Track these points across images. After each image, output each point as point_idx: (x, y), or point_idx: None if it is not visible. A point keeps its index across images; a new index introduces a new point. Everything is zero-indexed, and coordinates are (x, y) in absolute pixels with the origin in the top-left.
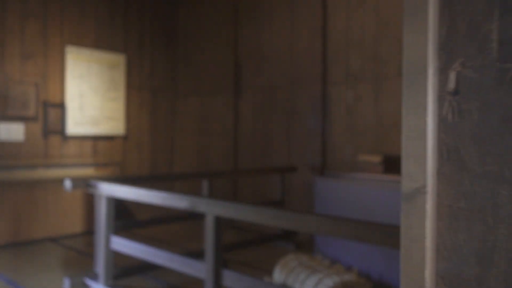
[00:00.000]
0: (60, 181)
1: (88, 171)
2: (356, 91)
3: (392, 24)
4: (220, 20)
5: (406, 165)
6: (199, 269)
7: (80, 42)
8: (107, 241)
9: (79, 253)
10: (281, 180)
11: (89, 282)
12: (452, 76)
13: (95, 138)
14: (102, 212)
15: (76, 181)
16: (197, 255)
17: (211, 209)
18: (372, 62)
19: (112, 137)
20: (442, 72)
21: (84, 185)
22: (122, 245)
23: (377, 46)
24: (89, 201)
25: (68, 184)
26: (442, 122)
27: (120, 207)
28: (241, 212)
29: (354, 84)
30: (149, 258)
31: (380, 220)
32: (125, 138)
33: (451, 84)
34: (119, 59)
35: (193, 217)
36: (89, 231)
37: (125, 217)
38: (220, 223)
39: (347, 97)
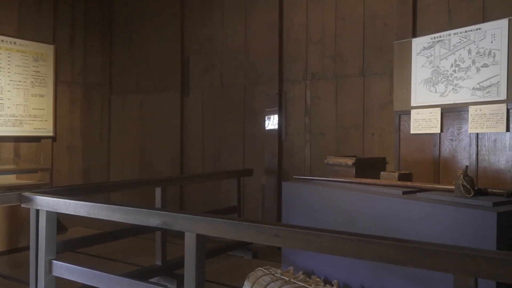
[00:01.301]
0: None
1: (7, 179)
2: (315, 90)
3: (353, 22)
4: (165, 11)
5: None
6: None
7: (0, 30)
8: (49, 267)
9: (3, 277)
10: (237, 184)
11: None
12: None
13: (17, 140)
14: (41, 232)
15: (5, 196)
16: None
17: (192, 226)
18: (332, 60)
19: (38, 138)
20: None
21: (16, 198)
22: (68, 270)
23: (338, 44)
24: (11, 214)
25: None
26: None
27: None
28: (234, 229)
29: (313, 83)
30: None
31: (357, 225)
32: (53, 140)
33: None
34: (47, 51)
35: (143, 231)
36: (11, 250)
37: (58, 230)
38: (204, 243)
39: (306, 97)
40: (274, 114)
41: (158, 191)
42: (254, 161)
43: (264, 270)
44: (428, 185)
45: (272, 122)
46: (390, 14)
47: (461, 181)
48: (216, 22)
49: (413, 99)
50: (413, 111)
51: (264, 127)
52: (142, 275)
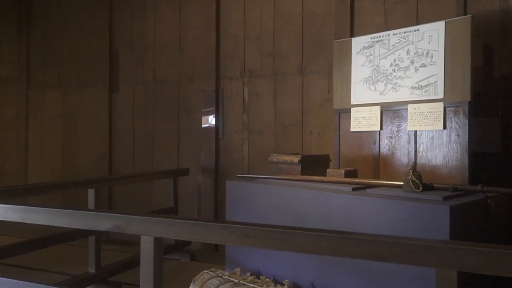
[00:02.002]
0: None
1: None
2: (253, 88)
3: (291, 20)
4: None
5: None
6: None
7: None
8: None
9: None
10: (173, 184)
11: None
12: None
13: None
14: None
15: None
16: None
17: (150, 229)
18: (270, 58)
19: None
20: None
21: None
22: None
23: (276, 41)
24: None
25: None
26: None
27: None
28: (199, 231)
29: (251, 80)
30: None
31: (307, 223)
32: None
33: None
34: None
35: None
36: None
37: None
38: (162, 246)
39: (244, 94)
40: (211, 111)
41: (91, 193)
42: (189, 160)
43: (210, 272)
44: (375, 181)
45: (208, 120)
46: (328, 13)
47: (410, 177)
48: (148, 15)
49: (353, 97)
50: (353, 109)
51: (200, 125)
52: (74, 284)
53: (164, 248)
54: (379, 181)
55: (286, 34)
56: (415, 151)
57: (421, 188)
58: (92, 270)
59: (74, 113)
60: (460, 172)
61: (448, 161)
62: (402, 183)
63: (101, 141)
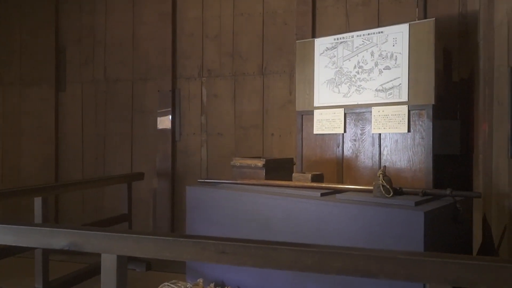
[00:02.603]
0: None
1: None
2: (212, 88)
3: (251, 19)
4: None
5: None
6: None
7: None
8: None
9: None
10: (127, 190)
11: None
12: None
13: None
14: None
15: None
16: None
17: (112, 246)
18: (230, 57)
19: None
20: None
21: None
22: None
23: (236, 40)
24: None
25: None
26: None
27: None
28: (168, 248)
29: (210, 81)
30: None
31: (274, 230)
32: None
33: None
34: None
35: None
36: None
37: None
38: (126, 265)
39: (202, 94)
40: (167, 112)
41: (37, 203)
42: (143, 163)
43: (171, 285)
44: (344, 186)
45: (164, 121)
46: (289, 12)
47: (380, 181)
48: (99, 9)
49: (316, 99)
50: (316, 111)
51: (156, 127)
52: None
53: None
54: (347, 186)
55: (246, 33)
56: (379, 154)
57: (391, 193)
58: (39, 285)
59: (13, 112)
60: (424, 174)
61: (413, 164)
62: (371, 187)
63: (46, 143)
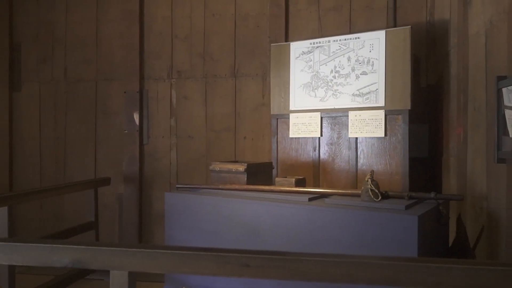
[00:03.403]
0: None
1: None
2: (182, 90)
3: (223, 21)
4: None
5: None
6: None
7: None
8: None
9: None
10: (94, 196)
11: None
12: None
13: None
14: None
15: None
16: None
17: (123, 262)
18: (201, 59)
19: None
20: None
21: None
22: None
23: (207, 42)
24: None
25: None
26: None
27: None
28: (185, 262)
29: (180, 82)
30: None
31: (261, 236)
32: None
33: None
34: None
35: None
36: None
37: None
38: (135, 281)
39: (171, 96)
40: (134, 114)
41: (2, 213)
42: (108, 168)
43: None
44: (330, 190)
45: (131, 124)
46: (262, 15)
47: (369, 186)
48: (59, 5)
49: (292, 103)
50: (292, 115)
51: (122, 129)
52: None
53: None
54: (334, 190)
55: (217, 34)
56: (356, 158)
57: (380, 197)
58: None
59: None
60: (401, 178)
61: (389, 168)
62: (358, 191)
63: None
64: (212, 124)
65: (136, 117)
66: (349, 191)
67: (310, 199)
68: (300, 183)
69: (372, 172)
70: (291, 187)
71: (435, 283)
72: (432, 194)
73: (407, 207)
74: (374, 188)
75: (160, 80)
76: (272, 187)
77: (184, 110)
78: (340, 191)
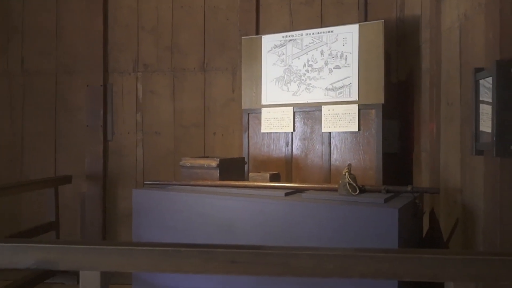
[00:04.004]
0: None
1: None
2: (149, 84)
3: (192, 13)
4: None
5: None
6: None
7: None
8: None
9: None
10: (54, 195)
11: None
12: None
13: None
14: None
15: None
16: None
17: (95, 261)
18: (168, 52)
19: None
20: None
21: None
22: None
23: (175, 35)
24: None
25: None
26: None
27: None
28: (166, 259)
29: (146, 76)
30: None
31: (236, 233)
32: None
33: None
34: None
35: None
36: None
37: None
38: (109, 281)
39: (137, 90)
40: (98, 109)
41: None
42: (70, 165)
43: None
44: (306, 185)
45: (94, 119)
46: (232, 8)
47: (347, 180)
48: None
49: (264, 97)
50: (264, 110)
51: (84, 125)
52: None
53: (43, 272)
54: (310, 185)
55: (186, 27)
56: (329, 153)
57: (358, 191)
58: None
59: None
60: (375, 172)
61: (363, 163)
62: (334, 186)
63: None
64: (180, 120)
65: (99, 112)
66: (326, 186)
67: (286, 194)
68: (274, 178)
69: (350, 165)
70: (266, 182)
71: (432, 274)
72: (409, 188)
73: (386, 201)
74: (352, 182)
75: (125, 74)
76: (246, 183)
77: (151, 105)
78: (316, 185)
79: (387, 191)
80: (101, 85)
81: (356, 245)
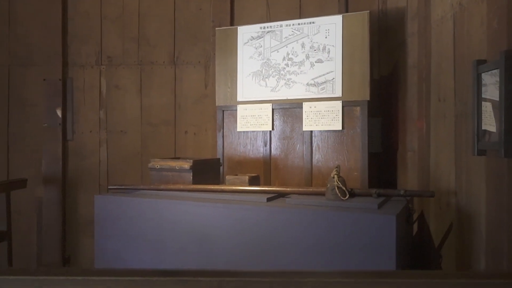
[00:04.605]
0: None
1: None
2: (113, 78)
3: (161, 1)
4: None
5: None
6: None
7: None
8: None
9: None
10: (6, 201)
11: None
12: None
13: None
14: None
15: None
16: None
17: None
18: (135, 43)
19: None
20: None
21: None
22: None
23: (143, 24)
24: None
25: None
26: None
27: None
28: None
29: (110, 69)
30: None
31: (212, 243)
32: None
33: None
34: None
35: None
36: None
37: None
38: None
39: (100, 85)
40: (56, 105)
41: None
42: (25, 168)
43: None
44: (289, 189)
45: (52, 116)
46: None
47: (335, 183)
48: None
49: (240, 93)
50: (240, 107)
51: (41, 123)
52: None
53: None
54: (293, 189)
55: (154, 17)
56: (311, 153)
57: (347, 195)
58: None
59: None
60: (360, 174)
61: (347, 164)
62: (320, 190)
63: None
64: (148, 117)
65: (58, 109)
66: (311, 189)
67: (268, 199)
68: (254, 181)
69: (339, 167)
70: (245, 186)
71: None
72: (402, 191)
73: (379, 206)
74: (341, 186)
75: (87, 67)
76: (223, 187)
77: (116, 101)
78: (300, 189)
79: (379, 195)
80: (60, 79)
81: (350, 255)
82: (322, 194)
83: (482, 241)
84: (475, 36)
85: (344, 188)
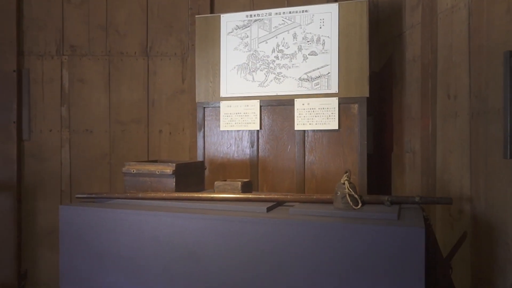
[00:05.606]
0: None
1: None
2: (77, 71)
3: None
4: None
5: None
6: None
7: None
8: None
9: None
10: None
11: None
12: None
13: None
14: None
15: None
16: None
17: None
18: (102, 31)
19: None
20: None
21: None
22: None
23: (111, 11)
24: None
25: None
26: None
27: None
28: None
29: (74, 60)
30: None
31: (204, 262)
32: None
33: None
34: None
35: None
36: None
37: None
38: None
39: (62, 78)
40: (10, 101)
41: None
42: None
43: None
44: (290, 197)
45: (6, 113)
46: None
47: (347, 190)
48: None
49: (224, 88)
50: (223, 103)
51: None
52: None
53: None
54: (294, 196)
55: (124, 2)
56: (304, 155)
57: (360, 204)
58: None
59: None
60: (358, 178)
61: (344, 166)
62: (327, 197)
63: None
64: (117, 115)
65: (12, 104)
66: (315, 197)
67: (268, 209)
68: (247, 187)
69: (349, 172)
70: (237, 193)
71: None
72: (417, 198)
73: (399, 216)
74: (353, 193)
75: (47, 57)
76: (213, 195)
77: (80, 97)
78: (302, 196)
79: (392, 203)
80: (14, 71)
81: (367, 276)
82: (329, 202)
83: (510, 254)
84: (499, 25)
85: (356, 196)
